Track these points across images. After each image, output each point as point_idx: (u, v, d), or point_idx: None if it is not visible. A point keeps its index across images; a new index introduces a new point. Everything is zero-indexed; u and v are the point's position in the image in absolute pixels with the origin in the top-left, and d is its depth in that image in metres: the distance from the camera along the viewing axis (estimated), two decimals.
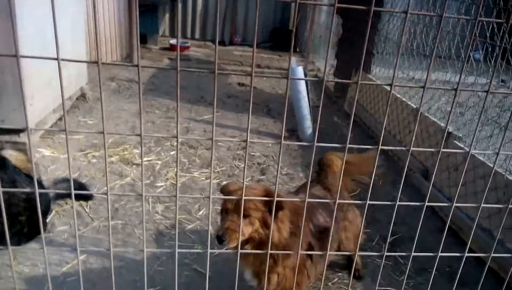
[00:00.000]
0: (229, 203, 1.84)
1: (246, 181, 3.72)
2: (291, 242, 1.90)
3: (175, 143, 4.22)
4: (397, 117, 4.29)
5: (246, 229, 1.82)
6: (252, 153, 4.33)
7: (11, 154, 2.80)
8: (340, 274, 2.73)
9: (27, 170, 2.77)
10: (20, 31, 3.19)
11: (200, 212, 3.27)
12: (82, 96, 4.95)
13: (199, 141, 4.49)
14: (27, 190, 2.57)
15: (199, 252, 1.81)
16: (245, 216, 1.80)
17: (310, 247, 2.05)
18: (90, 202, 3.18)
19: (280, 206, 1.81)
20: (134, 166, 3.77)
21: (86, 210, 3.11)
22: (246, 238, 1.86)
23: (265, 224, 1.83)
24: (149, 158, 3.92)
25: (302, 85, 4.50)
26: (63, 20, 4.22)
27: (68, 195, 3.13)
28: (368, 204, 1.25)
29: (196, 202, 3.40)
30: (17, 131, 3.49)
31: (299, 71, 4.47)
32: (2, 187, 2.46)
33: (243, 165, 4.03)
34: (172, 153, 4.15)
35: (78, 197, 3.21)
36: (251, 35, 9.58)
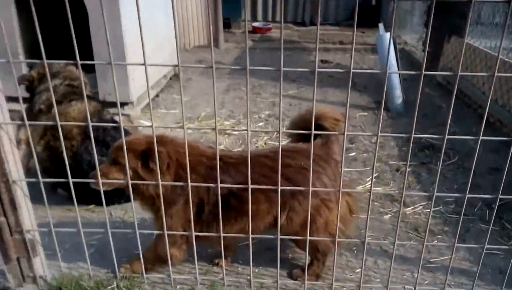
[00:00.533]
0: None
1: None
2: (173, 194, 1.86)
3: (262, 116, 4.33)
4: (499, 80, 3.98)
5: (114, 175, 1.84)
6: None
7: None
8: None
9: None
10: (123, 11, 3.50)
11: None
12: (175, 76, 5.27)
13: (285, 113, 4.56)
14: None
15: None
16: (117, 163, 1.83)
17: (199, 206, 1.90)
18: None
19: (161, 159, 1.76)
20: (225, 136, 3.95)
21: None
22: (122, 186, 1.86)
23: (137, 174, 1.82)
24: (240, 129, 4.07)
25: (391, 54, 4.34)
26: (159, 8, 4.51)
27: None
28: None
29: None
30: (121, 104, 3.83)
31: (387, 38, 4.32)
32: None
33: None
34: (260, 124, 4.26)
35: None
36: (332, 15, 9.42)
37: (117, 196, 2.81)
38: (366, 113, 4.58)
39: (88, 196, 2.66)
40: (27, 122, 1.52)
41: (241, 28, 8.46)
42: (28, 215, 1.74)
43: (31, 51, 3.86)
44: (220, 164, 1.66)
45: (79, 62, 1.45)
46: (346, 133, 1.49)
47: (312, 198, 1.75)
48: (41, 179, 1.60)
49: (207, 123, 4.24)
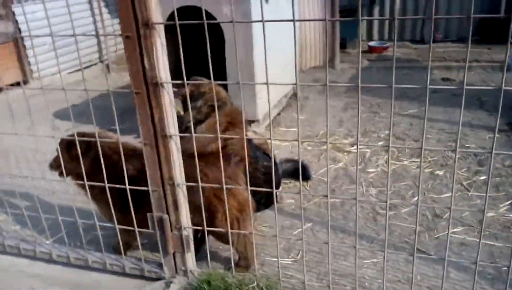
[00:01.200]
0: None
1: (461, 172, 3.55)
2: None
3: (382, 135, 4.30)
4: None
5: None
6: (467, 145, 4.07)
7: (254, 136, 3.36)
8: None
9: (264, 149, 3.28)
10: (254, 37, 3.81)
11: (415, 198, 3.26)
12: (294, 95, 5.50)
13: (406, 133, 4.46)
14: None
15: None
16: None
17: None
18: (309, 182, 3.54)
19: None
20: (345, 153, 4.01)
21: (307, 188, 3.48)
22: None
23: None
24: (360, 147, 4.10)
25: None
26: (285, 33, 4.79)
27: (292, 174, 3.55)
28: None
29: (409, 189, 3.41)
30: (249, 122, 4.14)
31: None
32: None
33: (456, 156, 3.83)
34: (380, 143, 4.24)
35: (301, 177, 3.59)
36: (454, 32, 8.91)
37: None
38: (497, 135, 4.26)
39: None
40: (193, 134, 1.79)
41: (356, 48, 8.46)
42: (186, 215, 2.01)
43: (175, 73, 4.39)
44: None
45: (213, 82, 1.67)
46: (390, 146, 1.47)
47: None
48: (200, 184, 1.86)
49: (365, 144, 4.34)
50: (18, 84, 6.12)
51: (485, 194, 3.21)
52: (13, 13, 6.31)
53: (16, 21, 6.35)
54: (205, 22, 1.53)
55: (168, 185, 1.90)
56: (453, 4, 8.76)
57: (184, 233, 2.02)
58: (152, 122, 1.79)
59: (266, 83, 1.58)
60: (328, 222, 1.94)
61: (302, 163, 3.63)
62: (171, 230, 2.02)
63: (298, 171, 3.50)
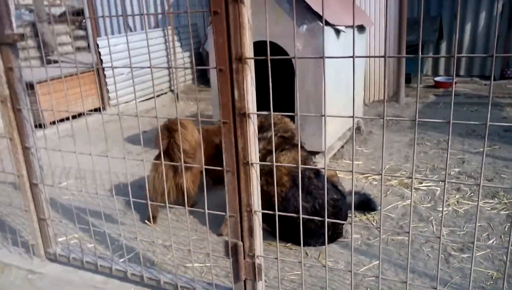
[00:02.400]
0: None
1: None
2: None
3: (452, 173, 4.14)
4: None
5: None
6: None
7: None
8: None
9: (333, 181, 3.29)
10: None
11: (490, 241, 3.09)
12: (358, 129, 5.47)
13: (478, 171, 4.26)
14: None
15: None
16: None
17: None
18: (376, 218, 3.47)
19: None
20: (414, 190, 3.90)
21: (373, 223, 3.41)
22: None
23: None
24: (428, 184, 3.97)
25: None
26: (350, 62, 4.85)
27: (357, 207, 3.51)
28: None
29: (484, 231, 3.23)
30: (314, 153, 4.17)
31: None
32: (318, 192, 2.99)
33: None
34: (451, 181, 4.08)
35: (366, 208, 3.54)
36: None
37: (313, 238, 3.05)
38: None
39: (288, 235, 2.97)
40: (274, 163, 1.86)
41: (422, 83, 8.30)
42: (259, 243, 2.06)
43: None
44: None
45: (272, 113, 1.73)
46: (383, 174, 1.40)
47: None
48: (277, 213, 1.91)
49: (392, 176, 4.26)
50: (96, 110, 6.62)
51: None
52: (97, 45, 6.89)
53: (99, 53, 6.92)
54: (296, 58, 1.61)
55: (245, 211, 1.96)
56: None
57: (257, 261, 2.06)
58: (236, 150, 1.87)
59: (323, 115, 1.62)
60: (408, 262, 1.89)
61: (366, 195, 3.59)
62: (244, 257, 2.06)
63: (363, 203, 3.49)
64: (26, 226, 3.34)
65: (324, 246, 3.09)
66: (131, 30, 9.71)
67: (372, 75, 6.92)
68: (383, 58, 6.85)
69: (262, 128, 3.18)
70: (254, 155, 1.89)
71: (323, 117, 3.87)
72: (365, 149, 5.09)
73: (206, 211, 2.06)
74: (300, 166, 1.86)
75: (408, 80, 8.17)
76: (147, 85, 7.71)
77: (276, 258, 2.00)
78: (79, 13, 9.98)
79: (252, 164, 1.89)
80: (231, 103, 1.81)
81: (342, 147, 4.98)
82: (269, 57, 1.69)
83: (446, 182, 1.63)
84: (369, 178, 4.21)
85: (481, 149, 4.91)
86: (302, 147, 3.39)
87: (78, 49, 9.39)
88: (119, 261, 2.61)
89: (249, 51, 1.74)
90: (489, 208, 3.54)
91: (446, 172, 1.55)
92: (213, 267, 2.82)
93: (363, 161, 4.68)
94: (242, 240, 2.04)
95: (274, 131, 3.15)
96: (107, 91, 7.13)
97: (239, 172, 1.91)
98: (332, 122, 4.38)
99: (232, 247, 2.06)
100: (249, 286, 2.15)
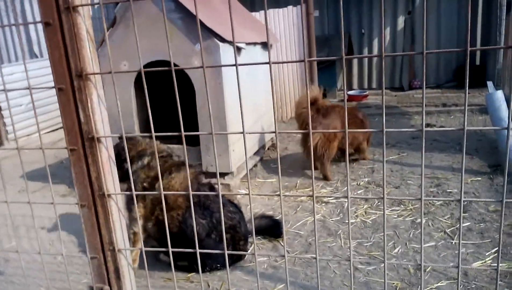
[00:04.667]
0: None
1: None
2: None
3: (361, 183, 4.15)
4: None
5: None
6: (449, 190, 3.94)
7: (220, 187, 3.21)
8: None
9: (230, 198, 3.12)
10: (225, 89, 3.75)
11: (396, 250, 3.07)
12: (273, 146, 5.39)
13: (386, 180, 4.32)
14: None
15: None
16: None
17: None
18: (286, 237, 3.33)
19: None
20: (323, 204, 3.83)
21: (282, 243, 3.26)
22: None
23: None
24: (337, 197, 3.94)
25: (503, 112, 3.97)
26: (259, 84, 4.79)
27: (264, 231, 3.35)
28: None
29: (390, 240, 3.21)
30: (222, 175, 3.99)
31: (498, 96, 3.98)
32: (215, 206, 2.80)
33: (438, 202, 3.69)
34: (359, 191, 4.09)
35: (272, 234, 3.38)
36: (432, 78, 9.08)
37: (212, 257, 2.84)
38: (479, 178, 4.14)
39: (189, 261, 2.75)
40: (134, 193, 1.63)
41: (337, 97, 8.53)
42: (130, 284, 1.80)
43: (146, 128, 4.28)
44: None
45: (183, 134, 1.54)
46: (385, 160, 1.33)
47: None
48: (143, 248, 1.67)
49: (303, 191, 4.19)
50: None
51: (469, 242, 3.04)
52: None
53: None
54: (173, 68, 1.42)
55: (108, 251, 1.71)
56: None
57: None
58: (89, 181, 1.62)
59: (243, 132, 1.44)
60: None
61: (274, 219, 3.43)
62: None
63: (270, 228, 3.33)
64: None
65: (226, 275, 2.88)
66: (36, 57, 9.07)
67: (287, 92, 6.96)
68: (295, 78, 6.95)
69: (134, 157, 2.92)
70: (111, 184, 1.65)
71: (229, 136, 3.70)
72: (280, 166, 5.01)
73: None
74: (191, 187, 1.65)
75: (323, 96, 8.37)
76: (51, 115, 7.15)
77: None
78: None
79: (109, 195, 1.64)
80: (77, 126, 1.56)
81: (255, 165, 4.86)
82: (142, 70, 1.48)
83: (350, 198, 1.50)
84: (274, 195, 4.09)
85: (390, 158, 5.03)
86: (190, 165, 3.20)
87: None
88: None
89: (92, 65, 1.52)
90: (396, 216, 3.55)
91: (348, 189, 1.42)
92: None
93: (276, 178, 4.58)
94: (109, 284, 1.77)
95: (149, 156, 2.92)
96: (4, 124, 6.49)
97: (96, 206, 1.65)
98: (241, 141, 4.24)
99: None
100: None
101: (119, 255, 1.71)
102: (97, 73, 1.54)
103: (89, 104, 1.54)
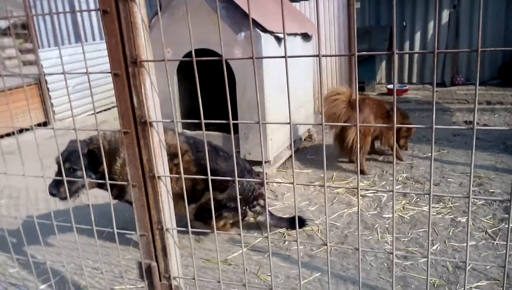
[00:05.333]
0: None
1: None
2: None
3: (399, 178, 4.10)
4: None
5: None
6: (491, 190, 3.82)
7: None
8: None
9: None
10: (266, 78, 3.78)
11: (434, 247, 3.03)
12: (309, 137, 5.39)
13: (426, 176, 4.25)
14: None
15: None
16: None
17: None
18: (321, 227, 3.36)
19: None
20: (360, 197, 3.81)
21: (318, 234, 3.29)
22: None
23: None
24: (375, 191, 3.91)
25: None
26: (296, 70, 4.79)
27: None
28: None
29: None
30: (259, 163, 4.03)
31: None
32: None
33: (479, 202, 3.60)
34: (397, 187, 4.04)
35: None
36: (475, 74, 8.75)
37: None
38: None
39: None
40: (183, 175, 1.70)
41: (375, 91, 8.39)
42: (176, 262, 1.88)
43: (187, 116, 4.38)
44: None
45: (231, 122, 1.58)
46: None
47: None
48: (190, 229, 1.74)
49: (339, 183, 4.19)
50: (39, 125, 6.28)
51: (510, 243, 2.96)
52: (39, 58, 6.57)
53: (42, 65, 6.60)
54: (224, 58, 1.46)
55: (157, 229, 1.79)
56: (474, 48, 8.66)
57: (174, 283, 1.88)
58: (141, 163, 1.70)
59: (289, 123, 1.48)
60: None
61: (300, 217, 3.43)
62: (160, 279, 1.88)
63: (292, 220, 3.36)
64: None
65: (264, 260, 2.94)
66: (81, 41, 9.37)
67: (325, 85, 6.91)
68: (334, 68, 6.88)
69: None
70: (161, 167, 1.72)
71: (267, 126, 3.73)
72: (316, 157, 5.01)
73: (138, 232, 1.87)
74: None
75: (361, 88, 8.25)
76: (96, 98, 7.40)
77: (194, 279, 1.83)
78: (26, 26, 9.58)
79: (159, 177, 1.72)
80: (131, 111, 1.64)
81: (291, 156, 4.87)
82: (194, 58, 1.54)
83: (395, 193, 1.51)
84: (318, 186, 4.11)
85: (429, 154, 4.92)
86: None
87: (30, 63, 8.98)
88: (41, 286, 2.37)
89: (145, 53, 1.59)
90: (435, 213, 3.50)
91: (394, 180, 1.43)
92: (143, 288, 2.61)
93: (313, 169, 4.59)
94: (156, 261, 1.86)
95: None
96: (51, 105, 6.79)
97: (146, 187, 1.73)
98: (279, 131, 4.27)
99: (146, 268, 1.87)
100: None
101: (167, 234, 1.79)
102: (150, 60, 1.61)
103: (142, 90, 1.61)
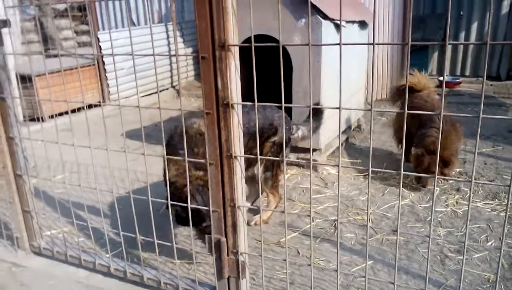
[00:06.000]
0: None
1: None
2: None
3: (452, 173, 4.04)
4: None
5: None
6: None
7: None
8: None
9: None
10: (323, 66, 3.81)
11: (489, 243, 3.00)
12: (358, 127, 5.37)
13: (480, 172, 4.16)
14: None
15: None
16: None
17: None
18: (372, 217, 3.38)
19: None
20: (411, 190, 3.80)
21: (370, 224, 3.32)
22: None
23: None
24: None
25: None
26: (351, 58, 4.76)
27: None
28: None
29: (483, 233, 3.14)
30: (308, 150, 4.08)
31: None
32: None
33: None
34: (449, 181, 3.98)
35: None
36: None
37: None
38: None
39: None
40: (258, 157, 1.78)
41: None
42: (244, 239, 1.98)
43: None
44: None
45: (284, 105, 1.64)
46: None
47: None
48: (261, 208, 1.83)
49: (390, 174, 4.17)
50: (96, 105, 6.58)
51: None
52: (98, 40, 6.84)
53: (100, 47, 6.87)
54: (280, 45, 1.53)
55: (229, 206, 1.89)
56: None
57: (241, 258, 1.98)
58: (219, 142, 1.80)
59: (339, 108, 1.53)
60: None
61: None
62: (228, 254, 1.99)
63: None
64: (12, 218, 3.30)
65: (316, 245, 3.01)
66: (134, 25, 9.66)
67: (376, 73, 6.81)
68: (386, 57, 6.76)
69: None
70: (238, 147, 1.82)
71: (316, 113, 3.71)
72: (365, 147, 5.00)
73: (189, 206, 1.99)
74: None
75: None
76: (148, 80, 7.65)
77: (261, 255, 1.93)
78: (84, 8, 9.96)
79: (236, 157, 1.81)
80: (214, 92, 1.73)
81: (342, 145, 4.89)
82: (253, 44, 1.61)
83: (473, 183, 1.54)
84: (367, 176, 4.12)
85: (484, 150, 4.80)
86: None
87: (85, 44, 9.37)
88: (104, 256, 2.55)
89: (233, 38, 1.67)
90: (489, 209, 3.44)
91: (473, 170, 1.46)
92: (202, 265, 2.75)
93: (362, 159, 4.59)
94: (225, 236, 1.97)
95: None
96: (108, 85, 7.09)
97: (223, 165, 1.83)
98: (331, 119, 4.28)
99: (216, 243, 1.99)
100: (232, 284, 2.08)
101: (238, 211, 1.89)
102: (237, 45, 1.69)
103: (227, 73, 1.69)
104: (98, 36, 6.86)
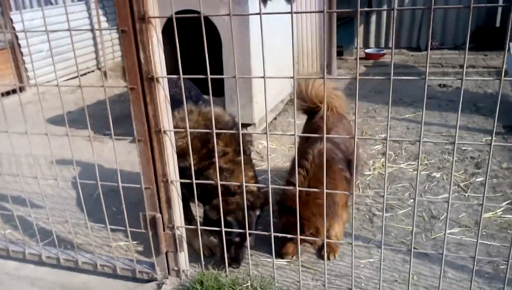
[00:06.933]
0: None
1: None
2: None
3: (378, 138, 4.29)
4: None
5: None
6: (464, 148, 4.07)
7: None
8: None
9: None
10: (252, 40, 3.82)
11: (411, 200, 3.25)
12: (290, 101, 5.50)
13: (402, 136, 4.47)
14: None
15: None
16: None
17: None
18: None
19: None
20: None
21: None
22: None
23: None
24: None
25: None
26: (278, 34, 4.82)
27: None
28: None
29: (406, 191, 3.40)
30: (244, 125, 4.13)
31: None
32: None
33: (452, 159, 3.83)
34: (375, 147, 4.23)
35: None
36: (450, 38, 8.98)
37: None
38: (494, 138, 4.26)
39: None
40: (189, 130, 1.78)
41: (353, 55, 8.50)
42: (179, 213, 1.99)
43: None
44: None
45: (209, 76, 1.66)
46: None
47: None
48: (194, 181, 1.85)
49: None
50: (14, 91, 6.12)
51: (481, 195, 3.21)
52: (11, 20, 6.32)
53: (14, 28, 6.36)
54: (202, 15, 1.52)
55: (161, 182, 1.88)
56: (450, 12, 8.84)
57: (177, 232, 2.00)
58: (147, 118, 1.77)
59: (263, 77, 1.56)
60: (324, 221, 1.92)
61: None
62: (164, 230, 2.00)
63: None
64: None
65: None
66: (51, 4, 9.01)
67: (305, 48, 6.96)
68: (315, 32, 6.91)
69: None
70: (167, 122, 1.80)
71: (252, 88, 3.76)
72: (298, 120, 5.13)
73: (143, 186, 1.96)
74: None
75: (340, 53, 8.33)
76: (71, 62, 7.22)
77: (197, 228, 1.95)
78: None
79: (165, 131, 1.80)
80: (137, 66, 1.70)
81: (275, 118, 4.99)
82: (174, 16, 1.59)
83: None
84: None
85: (406, 116, 5.14)
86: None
87: None
88: (34, 246, 2.44)
89: (153, 9, 1.63)
90: (411, 169, 3.72)
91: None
92: (139, 244, 2.72)
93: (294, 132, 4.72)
94: (160, 212, 1.97)
95: None
96: (25, 70, 6.60)
97: (152, 141, 1.81)
98: (263, 94, 4.35)
99: (151, 220, 1.98)
100: (171, 258, 2.09)
101: (171, 186, 1.89)
102: (158, 17, 1.65)
103: (149, 46, 1.66)
104: (11, 16, 6.33)
